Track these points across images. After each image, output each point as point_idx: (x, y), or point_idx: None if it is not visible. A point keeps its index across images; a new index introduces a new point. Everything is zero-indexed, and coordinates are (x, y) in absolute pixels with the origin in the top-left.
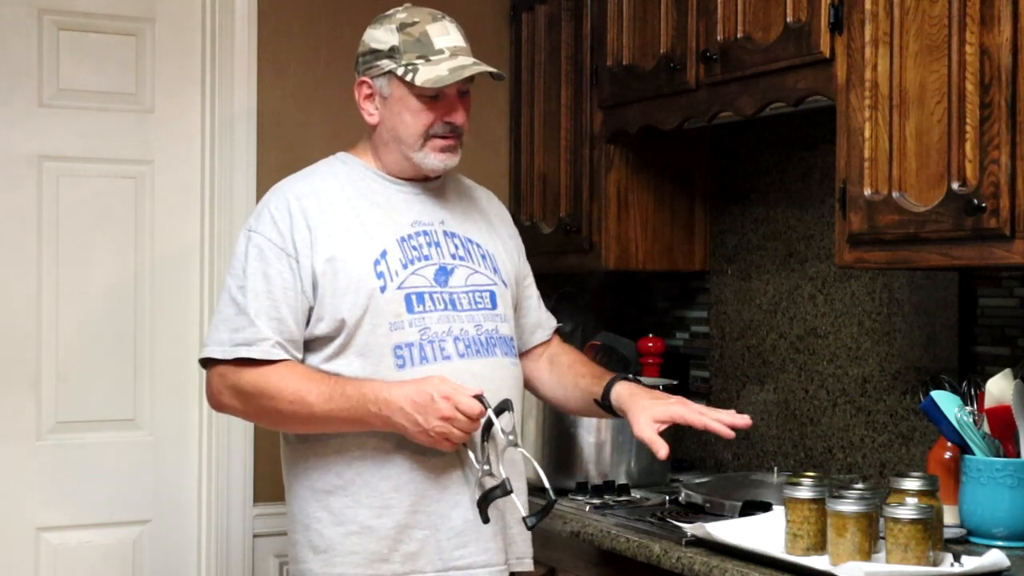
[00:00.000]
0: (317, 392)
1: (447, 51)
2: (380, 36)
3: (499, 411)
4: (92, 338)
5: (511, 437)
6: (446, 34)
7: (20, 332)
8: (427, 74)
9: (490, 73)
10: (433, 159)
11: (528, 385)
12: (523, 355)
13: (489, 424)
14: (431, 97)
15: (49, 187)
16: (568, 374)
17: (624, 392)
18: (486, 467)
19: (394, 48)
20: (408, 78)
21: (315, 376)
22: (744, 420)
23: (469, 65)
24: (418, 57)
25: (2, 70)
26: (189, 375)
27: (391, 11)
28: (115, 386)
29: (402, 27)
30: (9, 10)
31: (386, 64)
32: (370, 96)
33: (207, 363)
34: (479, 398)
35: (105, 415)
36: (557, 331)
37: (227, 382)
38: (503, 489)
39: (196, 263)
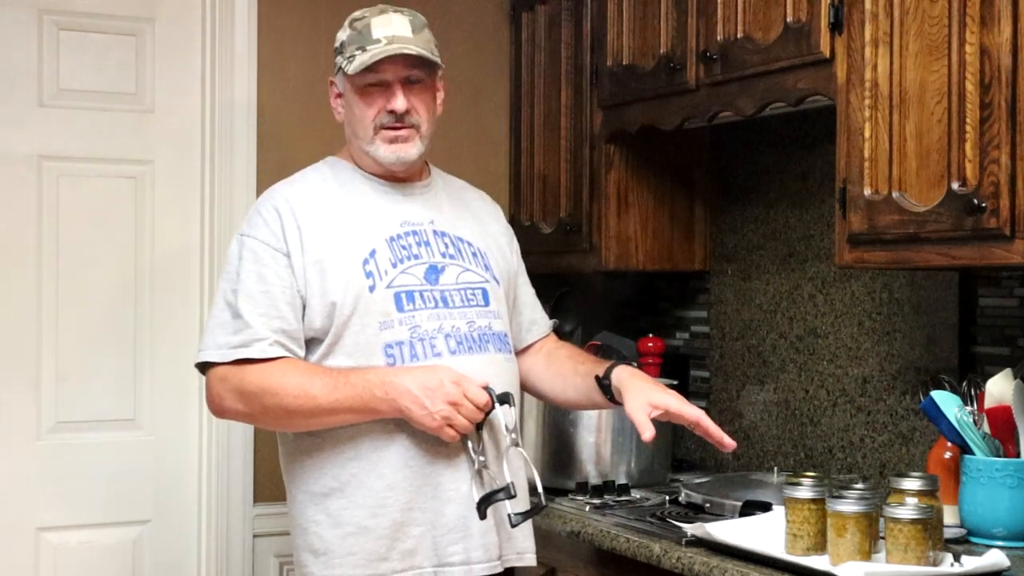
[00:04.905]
0: (321, 384)
1: (383, 39)
2: (338, 35)
3: (501, 402)
4: (92, 338)
5: (513, 436)
6: (388, 24)
7: (20, 332)
8: (356, 62)
9: (428, 60)
10: (384, 151)
11: (524, 381)
12: (519, 352)
13: (488, 417)
14: (371, 86)
15: (49, 187)
16: (567, 363)
17: (624, 374)
18: (482, 459)
19: (342, 43)
20: (346, 69)
21: (317, 370)
22: (731, 443)
23: (392, 48)
24: (357, 48)
25: (2, 70)
26: (189, 375)
27: None
28: (115, 386)
29: (352, 23)
30: (9, 10)
31: (339, 60)
32: (339, 95)
33: (204, 367)
34: (486, 389)
35: (105, 415)
36: (556, 332)
37: (229, 385)
38: (507, 493)
39: (196, 263)
